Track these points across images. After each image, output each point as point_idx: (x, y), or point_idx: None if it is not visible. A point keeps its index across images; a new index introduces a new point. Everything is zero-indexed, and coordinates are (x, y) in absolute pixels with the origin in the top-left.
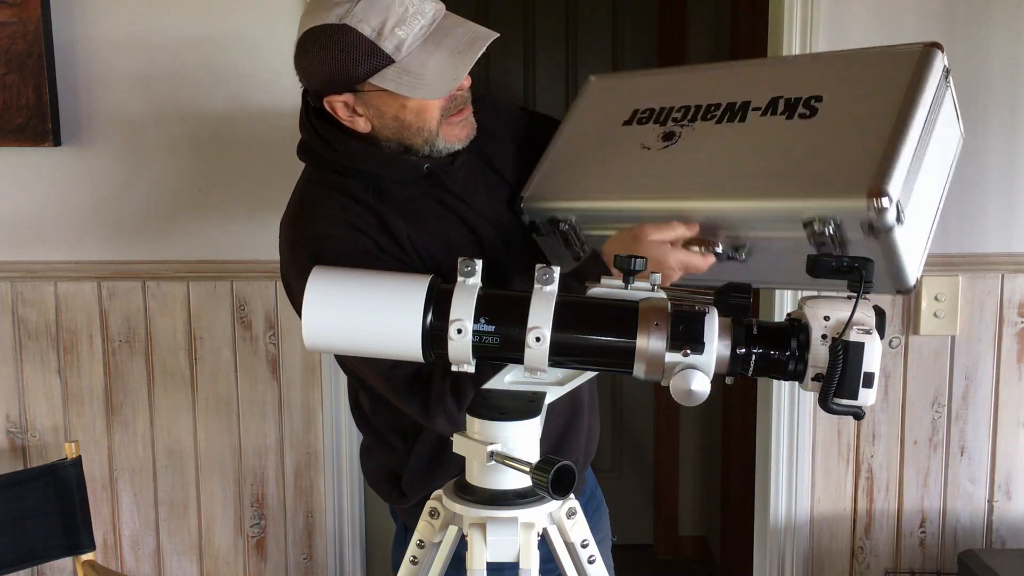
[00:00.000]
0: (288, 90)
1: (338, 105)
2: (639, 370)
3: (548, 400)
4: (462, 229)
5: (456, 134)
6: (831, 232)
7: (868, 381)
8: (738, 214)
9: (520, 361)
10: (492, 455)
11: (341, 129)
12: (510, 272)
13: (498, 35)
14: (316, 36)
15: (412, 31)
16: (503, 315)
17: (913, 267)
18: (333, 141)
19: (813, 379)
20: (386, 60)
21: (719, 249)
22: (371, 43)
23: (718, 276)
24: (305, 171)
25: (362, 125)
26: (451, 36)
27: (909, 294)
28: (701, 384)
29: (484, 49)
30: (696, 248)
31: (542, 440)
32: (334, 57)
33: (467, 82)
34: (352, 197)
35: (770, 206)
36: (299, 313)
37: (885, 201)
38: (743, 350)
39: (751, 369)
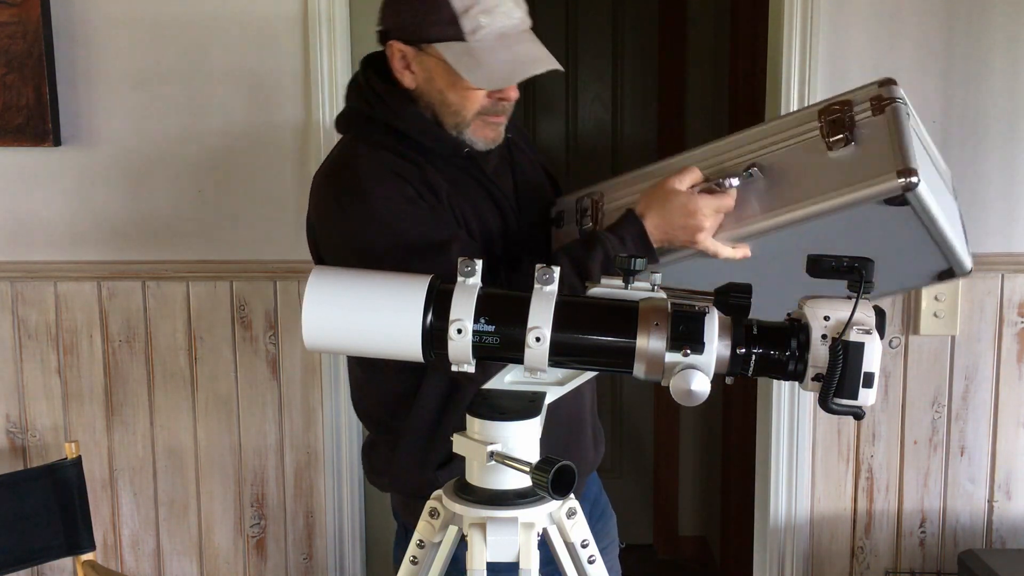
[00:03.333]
0: (288, 90)
1: (397, 52)
2: (639, 370)
3: (548, 400)
4: (493, 207)
5: (484, 133)
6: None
7: (868, 381)
8: (737, 141)
9: (520, 361)
10: (492, 455)
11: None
12: (524, 262)
13: (562, 70)
14: None
15: (493, 24)
16: (503, 315)
17: (962, 246)
18: (388, 96)
19: (813, 379)
20: (459, 35)
21: (735, 180)
22: (454, 14)
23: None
24: (342, 139)
25: (408, 80)
26: (522, 47)
27: (967, 276)
28: (701, 384)
29: (541, 72)
30: (715, 187)
31: (549, 448)
32: (417, 9)
33: (514, 94)
34: (395, 152)
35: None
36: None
37: (913, 178)
38: (743, 350)
39: (751, 369)
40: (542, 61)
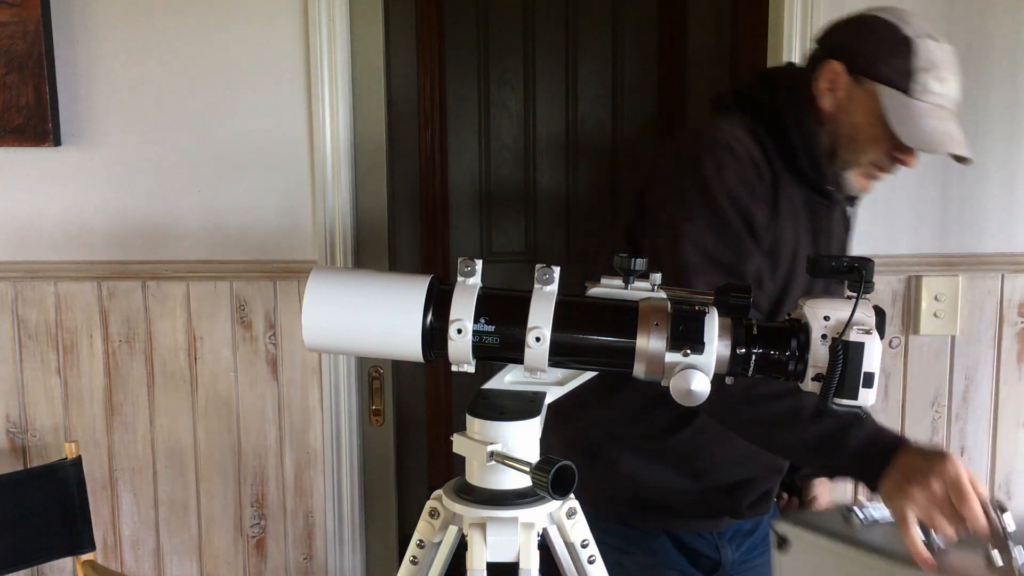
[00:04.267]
0: (289, 89)
1: (830, 71)
2: (639, 370)
3: (548, 400)
4: (810, 250)
5: (862, 182)
6: None
7: (868, 381)
8: None
9: (520, 361)
10: (492, 455)
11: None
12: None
13: (971, 161)
14: (880, 24)
15: (939, 93)
16: (503, 315)
17: None
18: (799, 97)
19: (813, 379)
20: (905, 87)
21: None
22: (911, 68)
23: None
24: (715, 118)
25: (827, 101)
26: (949, 125)
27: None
28: (701, 384)
29: (961, 153)
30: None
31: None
32: (876, 46)
33: (913, 162)
34: (763, 148)
35: None
36: (676, 242)
37: None
38: (743, 350)
39: (751, 369)
40: (962, 145)
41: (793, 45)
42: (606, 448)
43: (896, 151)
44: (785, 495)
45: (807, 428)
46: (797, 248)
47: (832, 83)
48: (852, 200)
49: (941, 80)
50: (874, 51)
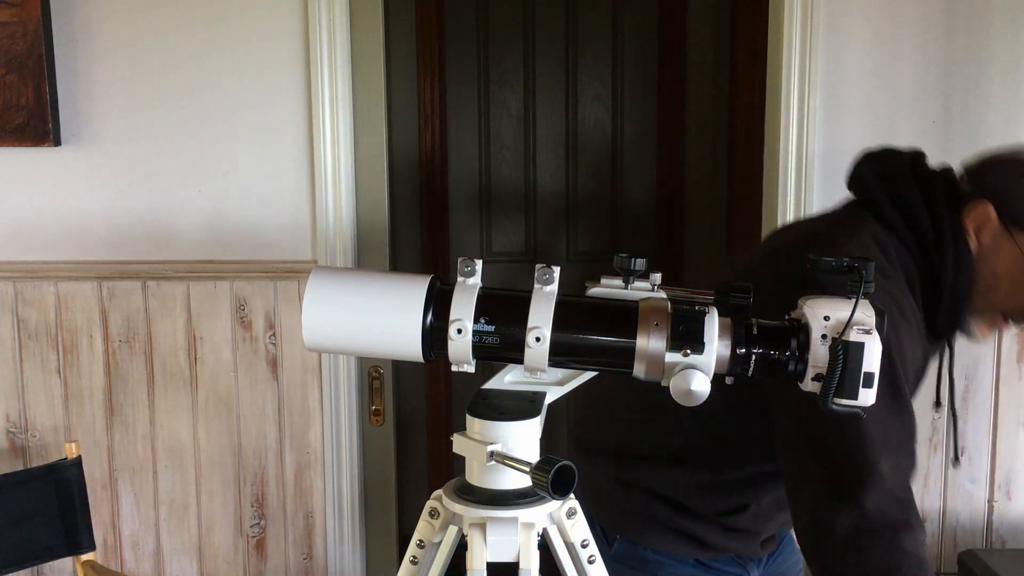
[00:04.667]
0: (289, 89)
1: (982, 214)
2: (639, 370)
3: (548, 400)
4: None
5: (984, 331)
6: None
7: (868, 381)
8: None
9: (520, 361)
10: (492, 455)
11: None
12: None
13: None
14: None
15: None
16: (503, 315)
17: None
18: (953, 230)
19: (813, 379)
20: None
21: None
22: None
23: None
24: (853, 215)
25: (972, 243)
26: None
27: None
28: (701, 384)
29: None
30: None
31: None
32: None
33: None
34: (906, 276)
35: None
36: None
37: None
38: (743, 350)
39: (751, 369)
40: None
41: (793, 45)
42: (655, 502)
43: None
44: None
45: None
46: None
47: (980, 226)
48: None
49: None
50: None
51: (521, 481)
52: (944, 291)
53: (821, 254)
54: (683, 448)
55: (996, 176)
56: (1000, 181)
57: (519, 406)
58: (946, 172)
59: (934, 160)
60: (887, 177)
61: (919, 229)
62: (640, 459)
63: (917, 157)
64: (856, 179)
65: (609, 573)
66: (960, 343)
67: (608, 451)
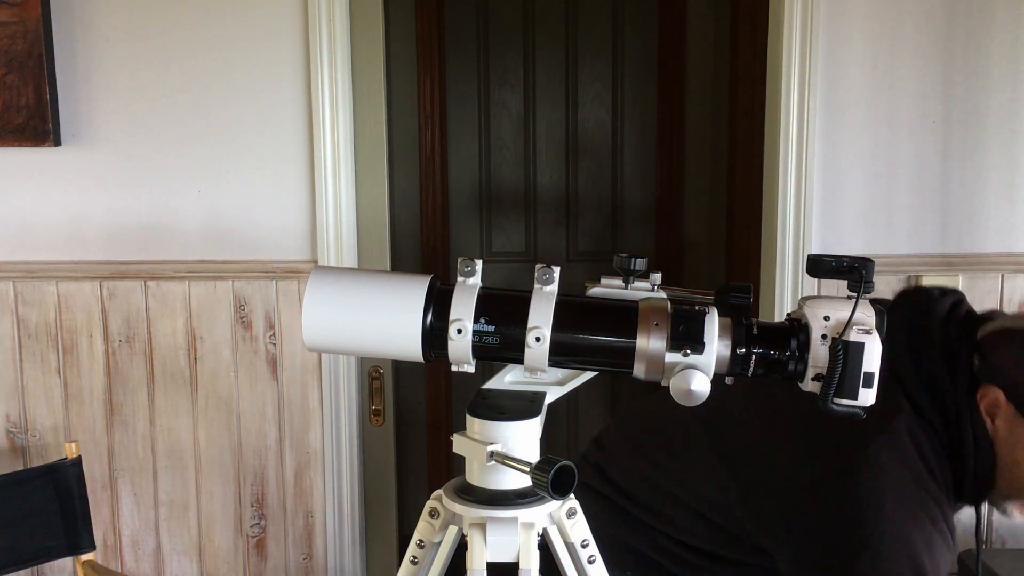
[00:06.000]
0: (288, 90)
1: (991, 399)
2: (639, 370)
3: (548, 400)
4: None
5: (1019, 509)
6: None
7: (868, 381)
8: None
9: (520, 361)
10: (492, 455)
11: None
12: None
13: None
14: None
15: None
16: (503, 315)
17: None
18: (967, 409)
19: (813, 379)
20: None
21: None
22: None
23: None
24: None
25: (988, 425)
26: None
27: None
28: (701, 384)
29: None
30: None
31: None
32: None
33: None
34: (930, 471)
35: None
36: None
37: None
38: (743, 350)
39: (751, 369)
40: None
41: (793, 45)
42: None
43: None
44: None
45: None
46: None
47: (992, 410)
48: None
49: None
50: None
51: (521, 481)
52: (966, 474)
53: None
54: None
55: (1003, 355)
56: (1007, 361)
57: (519, 406)
58: (971, 335)
59: (934, 160)
60: (917, 351)
61: (944, 408)
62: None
63: (952, 309)
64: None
65: None
66: None
67: (621, 493)
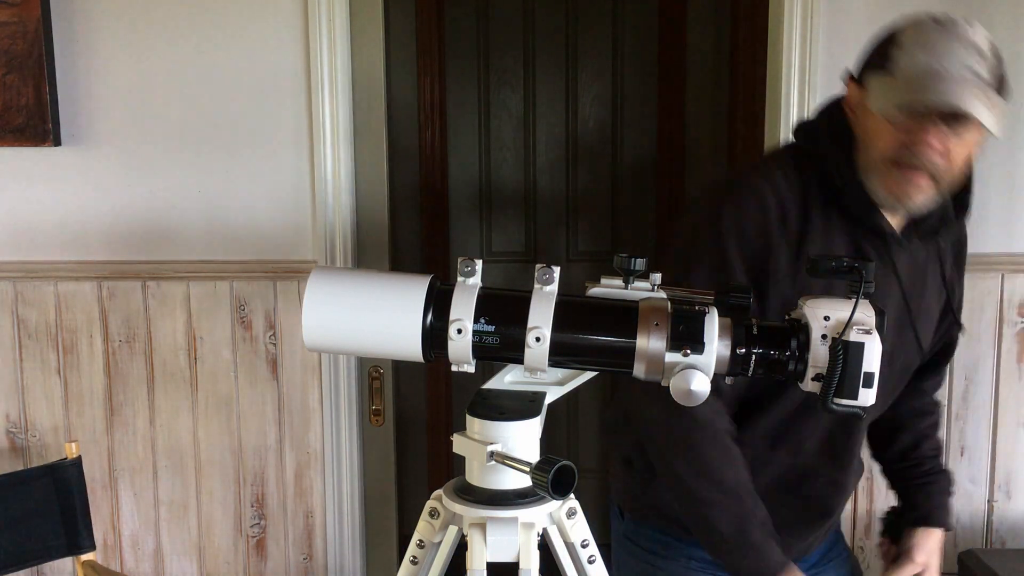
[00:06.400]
0: (288, 89)
1: (848, 93)
2: (639, 370)
3: (548, 400)
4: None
5: (893, 186)
6: None
7: (868, 381)
8: None
9: (520, 361)
10: (492, 455)
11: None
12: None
13: (983, 122)
14: (882, 30)
15: (929, 61)
16: (503, 315)
17: None
18: (833, 131)
19: (813, 379)
20: (885, 65)
21: None
22: (891, 46)
23: None
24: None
25: (854, 122)
26: (942, 87)
27: None
28: (701, 384)
29: (941, 109)
30: None
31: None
32: (872, 44)
33: (930, 152)
34: (807, 192)
35: None
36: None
37: None
38: (743, 350)
39: (751, 369)
40: (946, 100)
41: (793, 45)
42: (646, 474)
43: (899, 137)
44: (885, 539)
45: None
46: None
47: (852, 103)
48: (931, 231)
49: (927, 49)
50: (866, 52)
51: (521, 481)
52: (834, 176)
53: (723, 181)
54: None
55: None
56: (859, 56)
57: (519, 406)
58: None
59: None
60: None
61: (816, 130)
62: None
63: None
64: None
65: (619, 551)
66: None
67: (618, 426)
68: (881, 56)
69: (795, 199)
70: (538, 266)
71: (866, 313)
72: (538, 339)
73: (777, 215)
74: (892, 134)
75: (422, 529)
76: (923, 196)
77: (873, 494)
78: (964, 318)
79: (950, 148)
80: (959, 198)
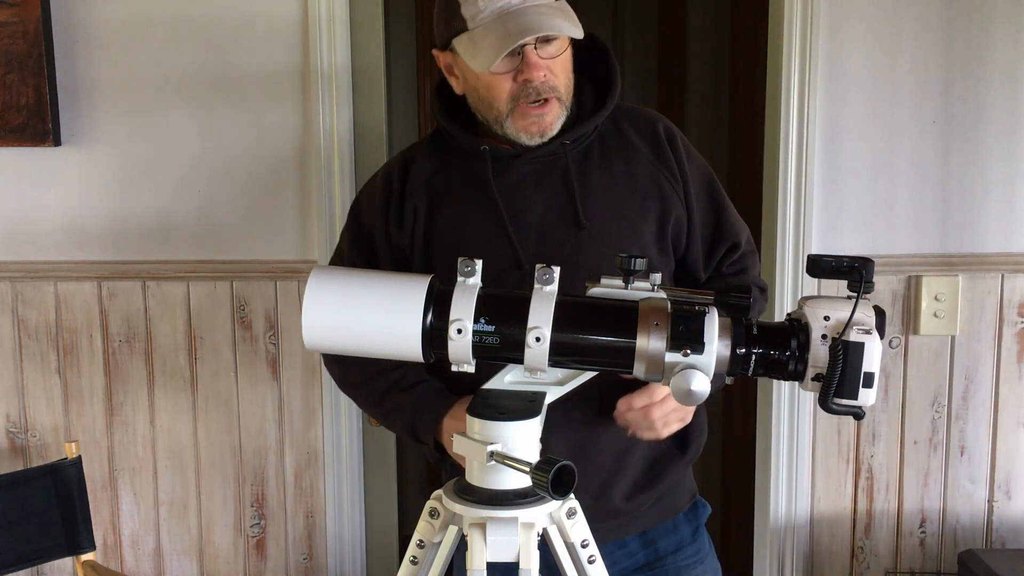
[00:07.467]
0: (288, 89)
1: (441, 61)
2: (639, 370)
3: (548, 400)
4: (489, 217)
5: (524, 125)
6: None
7: (868, 381)
8: None
9: (520, 361)
10: (492, 455)
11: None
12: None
13: (558, 34)
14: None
15: (491, 5)
16: (503, 315)
17: None
18: (443, 101)
19: (813, 379)
20: (463, 26)
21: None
22: (457, 6)
23: None
24: None
25: (456, 86)
26: (521, 19)
27: None
28: (701, 384)
29: (527, 40)
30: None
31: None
32: (439, 12)
33: (537, 73)
34: (423, 153)
35: None
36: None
37: None
38: (743, 350)
39: (751, 369)
40: (531, 30)
41: (793, 45)
42: None
43: (517, 78)
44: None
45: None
46: (475, 222)
47: (448, 71)
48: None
49: None
50: (438, 21)
51: (521, 481)
52: (441, 129)
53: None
54: None
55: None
56: (434, 35)
57: (519, 406)
58: None
59: (934, 160)
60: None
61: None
62: None
63: None
64: None
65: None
66: (961, 343)
67: None
68: (453, 17)
69: (400, 168)
70: (538, 266)
71: (866, 313)
72: (538, 339)
73: (383, 188)
74: (502, 81)
75: (422, 529)
76: (552, 116)
77: (872, 494)
78: (964, 318)
79: (551, 65)
80: (596, 95)
